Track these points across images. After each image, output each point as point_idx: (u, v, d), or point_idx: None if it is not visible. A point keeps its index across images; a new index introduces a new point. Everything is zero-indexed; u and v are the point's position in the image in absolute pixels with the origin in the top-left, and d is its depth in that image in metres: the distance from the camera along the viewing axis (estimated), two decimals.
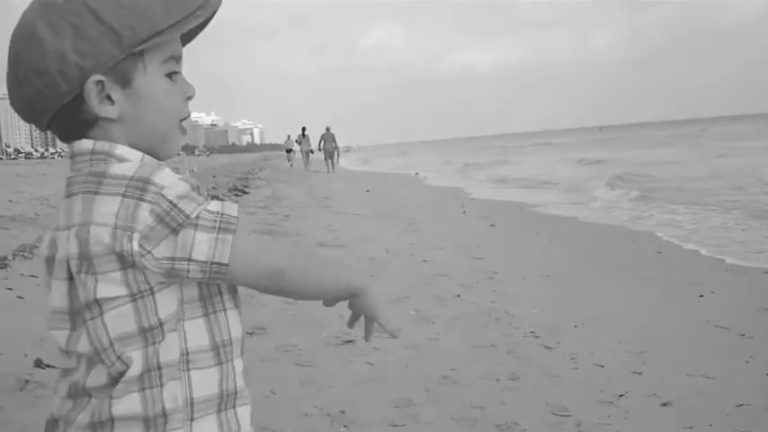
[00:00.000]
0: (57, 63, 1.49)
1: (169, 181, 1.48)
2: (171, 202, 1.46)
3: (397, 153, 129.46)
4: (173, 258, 1.46)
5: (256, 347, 6.13)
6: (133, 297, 1.48)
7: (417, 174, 46.51)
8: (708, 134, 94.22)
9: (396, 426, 4.81)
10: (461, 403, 5.23)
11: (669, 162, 40.92)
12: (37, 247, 8.87)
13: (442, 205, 22.02)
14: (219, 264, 1.49)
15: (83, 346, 1.53)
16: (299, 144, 47.86)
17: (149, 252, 1.45)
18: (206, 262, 1.48)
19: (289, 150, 55.94)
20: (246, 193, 23.03)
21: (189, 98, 1.70)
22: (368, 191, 27.48)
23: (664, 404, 5.39)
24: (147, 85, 1.57)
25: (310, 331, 6.73)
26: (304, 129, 47.21)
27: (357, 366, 5.90)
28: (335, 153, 44.80)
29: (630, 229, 15.73)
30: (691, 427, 5.00)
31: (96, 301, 1.48)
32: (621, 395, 5.53)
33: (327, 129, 43.96)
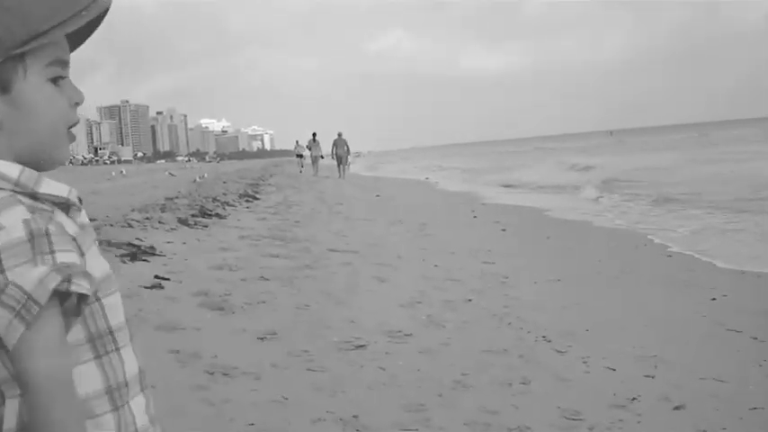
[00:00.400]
0: None
1: (10, 222, 1.31)
2: None
3: (406, 158, 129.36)
4: None
5: (268, 353, 6.15)
6: None
7: (428, 179, 46.56)
8: (714, 138, 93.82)
9: (408, 430, 4.81)
10: (473, 408, 5.23)
11: (677, 166, 40.79)
12: None
13: (452, 210, 22.02)
14: (3, 346, 1.30)
15: None
16: (310, 149, 47.56)
17: None
18: None
19: (299, 155, 55.07)
20: (257, 198, 23.08)
21: (76, 104, 1.53)
22: (378, 196, 27.48)
23: (676, 408, 5.38)
24: (29, 90, 1.42)
25: (322, 336, 6.74)
26: (314, 134, 46.89)
27: (369, 371, 5.90)
28: (347, 158, 44.81)
29: (641, 234, 15.68)
30: (704, 431, 4.99)
31: None
32: (634, 399, 5.52)
33: (339, 134, 44.10)
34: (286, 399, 5.16)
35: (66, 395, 1.33)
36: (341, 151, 43.50)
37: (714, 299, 8.89)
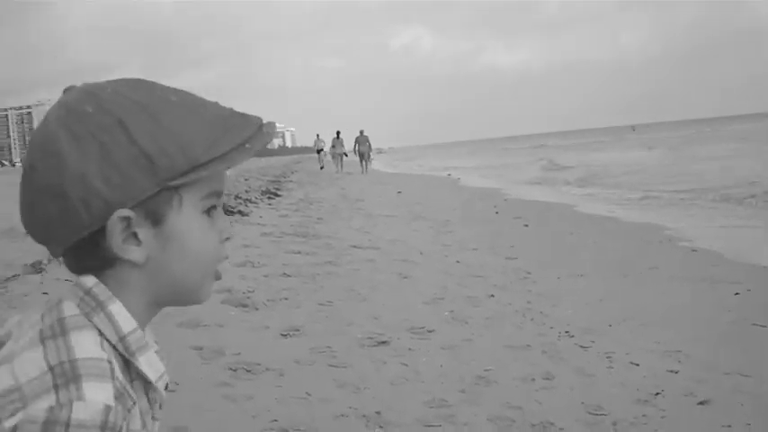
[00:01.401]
0: (78, 188, 1.21)
1: (94, 399, 1.12)
2: (66, 423, 1.08)
3: (427, 154, 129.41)
4: None
5: (291, 349, 6.16)
6: None
7: (449, 175, 46.61)
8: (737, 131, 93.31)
9: (431, 426, 4.81)
10: (497, 403, 5.22)
11: (700, 160, 40.65)
12: None
13: (474, 206, 21.98)
14: None
15: None
16: (334, 147, 48.76)
17: None
18: None
19: (319, 151, 54.37)
20: (279, 195, 23.11)
21: (227, 239, 1.41)
22: (400, 192, 27.47)
23: (701, 403, 5.35)
24: (183, 224, 1.30)
25: (345, 333, 6.75)
26: (338, 132, 48.34)
27: (392, 367, 5.91)
28: (368, 155, 46.83)
29: (664, 229, 15.61)
30: (729, 426, 4.96)
31: None
32: (657, 394, 5.50)
33: (361, 132, 45.79)
34: (309, 395, 5.16)
35: None
36: (363, 148, 45.38)
37: (738, 293, 8.84)
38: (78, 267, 1.29)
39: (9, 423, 1.08)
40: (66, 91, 1.30)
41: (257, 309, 7.36)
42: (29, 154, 1.26)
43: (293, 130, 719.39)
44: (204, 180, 1.29)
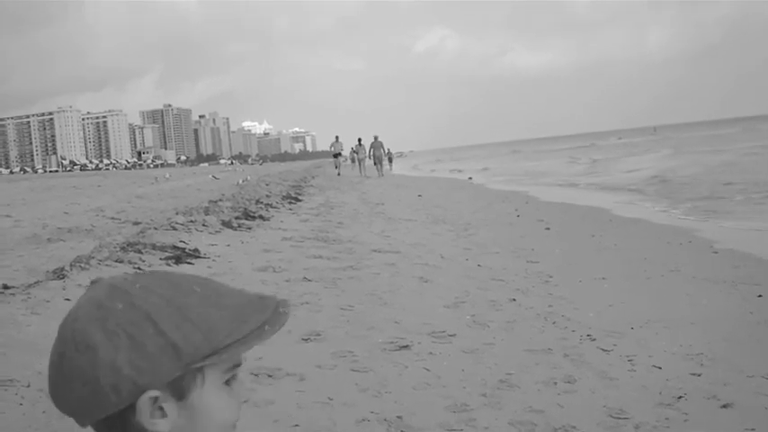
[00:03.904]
0: (109, 376, 1.32)
1: None
2: None
3: (449, 158, 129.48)
4: None
5: (313, 354, 6.17)
6: None
7: (470, 178, 46.80)
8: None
9: (453, 430, 4.81)
10: (518, 407, 5.21)
11: (720, 162, 40.51)
12: (93, 258, 9.00)
13: (495, 209, 21.95)
14: None
15: None
16: (356, 153, 50.33)
17: None
18: None
19: (337, 155, 51.00)
20: (300, 200, 23.15)
21: (244, 402, 1.54)
22: (420, 196, 27.48)
23: (724, 406, 5.33)
24: (206, 397, 1.40)
25: (366, 337, 6.75)
26: (360, 139, 50.13)
27: (413, 372, 5.91)
28: (385, 159, 49.51)
29: (686, 230, 15.55)
30: (752, 430, 4.93)
31: None
32: (680, 397, 5.47)
33: (375, 137, 47.77)
34: (331, 399, 5.17)
35: None
36: (378, 153, 47.37)
37: (761, 296, 8.79)
38: None
39: None
40: (93, 283, 1.40)
41: None
42: (58, 343, 1.36)
43: (314, 134, 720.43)
44: (225, 359, 1.40)
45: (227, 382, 1.44)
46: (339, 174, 47.87)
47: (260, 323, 1.41)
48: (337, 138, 50.87)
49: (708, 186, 26.99)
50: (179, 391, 1.36)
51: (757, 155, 43.52)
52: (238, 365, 1.46)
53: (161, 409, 1.35)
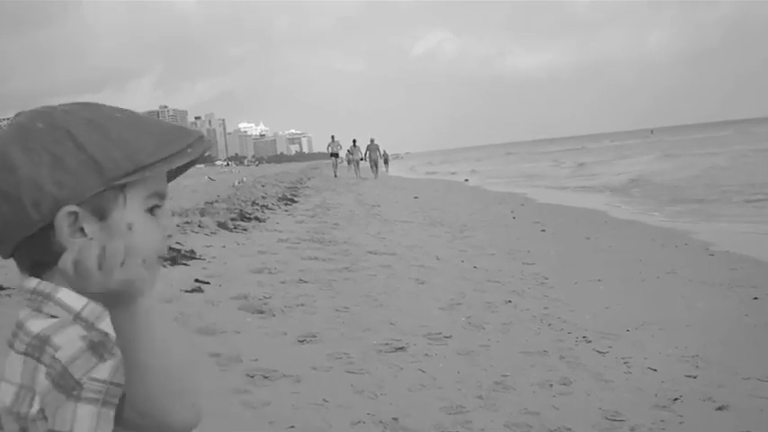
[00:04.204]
0: (30, 193, 1.33)
1: (66, 340, 1.30)
2: (63, 365, 1.27)
3: (446, 160, 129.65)
4: None
5: (308, 355, 6.17)
6: None
7: (467, 180, 47.02)
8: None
9: None
10: (514, 409, 5.22)
11: (714, 165, 40.63)
12: None
13: (491, 211, 21.97)
14: None
15: None
16: (351, 154, 50.99)
17: (44, 419, 1.28)
18: None
19: (335, 155, 49.77)
20: (296, 202, 23.15)
21: (169, 236, 1.53)
22: (416, 198, 27.50)
23: (719, 408, 5.33)
24: (126, 218, 1.41)
25: (362, 339, 6.75)
26: (354, 141, 51.05)
27: (409, 373, 5.91)
28: (380, 161, 50.69)
29: (681, 232, 15.58)
30: None
31: None
32: (676, 399, 5.48)
33: (372, 140, 48.47)
34: (326, 401, 5.17)
35: None
36: (374, 155, 48.26)
37: (756, 298, 8.80)
38: (31, 264, 1.42)
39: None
40: (17, 115, 1.43)
41: (274, 315, 7.38)
42: None
43: (310, 135, 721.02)
44: (148, 181, 1.42)
45: (152, 211, 1.46)
46: (336, 175, 47.37)
47: (183, 146, 1.44)
48: (333, 137, 50.10)
49: (683, 190, 27.12)
50: (99, 210, 1.38)
51: (746, 157, 43.78)
52: (163, 196, 1.48)
53: (81, 230, 1.36)
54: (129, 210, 1.41)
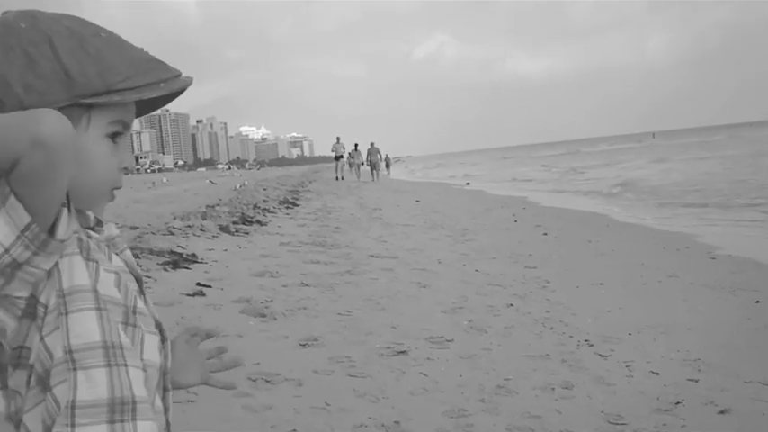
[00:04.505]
0: None
1: None
2: None
3: (447, 163, 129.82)
4: None
5: (310, 359, 6.17)
6: None
7: (468, 184, 47.03)
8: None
9: None
10: (516, 413, 5.21)
11: (715, 169, 40.69)
12: None
13: (493, 215, 21.95)
14: None
15: None
16: (353, 158, 51.60)
17: None
18: None
19: (339, 157, 48.81)
20: (297, 205, 23.15)
21: (125, 169, 1.49)
22: (417, 201, 27.50)
23: (721, 412, 5.33)
24: (86, 141, 1.39)
25: (363, 342, 6.75)
26: (356, 145, 51.72)
27: (411, 377, 5.90)
28: (381, 164, 52.46)
29: (683, 235, 15.57)
30: None
31: None
32: (678, 403, 5.47)
33: (372, 144, 49.60)
34: (328, 405, 5.17)
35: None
36: (374, 158, 49.35)
37: (758, 301, 8.80)
38: None
39: None
40: (5, 13, 1.41)
41: (276, 319, 7.38)
42: None
43: (312, 139, 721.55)
44: (116, 107, 1.42)
45: (113, 139, 1.44)
46: (342, 178, 46.52)
47: (157, 79, 1.43)
48: (338, 139, 49.37)
49: (673, 194, 27.29)
50: None
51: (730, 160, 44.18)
52: (127, 126, 1.47)
53: None
54: (91, 131, 1.40)
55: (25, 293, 1.31)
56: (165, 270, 9.22)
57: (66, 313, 1.33)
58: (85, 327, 1.34)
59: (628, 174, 43.26)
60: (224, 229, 13.82)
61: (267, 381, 5.54)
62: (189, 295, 7.97)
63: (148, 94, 1.42)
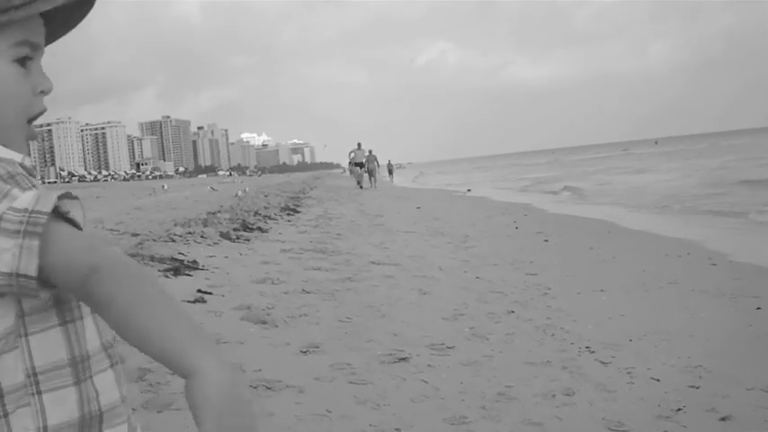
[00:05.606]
0: None
1: None
2: None
3: (449, 170, 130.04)
4: None
5: (311, 366, 6.17)
6: None
7: (469, 190, 47.09)
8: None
9: None
10: (517, 420, 5.21)
11: (713, 175, 40.72)
12: None
13: (494, 221, 21.94)
14: (27, 277, 1.16)
15: None
16: (354, 163, 51.54)
17: None
18: (10, 274, 1.15)
19: (359, 165, 47.96)
20: (298, 212, 23.17)
21: (42, 93, 1.39)
22: (418, 208, 27.49)
23: (722, 419, 5.32)
24: None
25: (364, 349, 6.75)
26: (359, 144, 51.18)
27: (412, 384, 5.90)
28: (385, 171, 53.88)
29: (685, 242, 15.55)
30: None
31: None
32: (679, 410, 5.47)
33: (370, 151, 49.17)
34: (329, 412, 5.17)
35: (120, 264, 1.21)
36: (371, 165, 49.06)
37: (759, 308, 8.79)
38: None
39: None
40: None
41: (277, 326, 7.38)
42: None
43: (313, 145, 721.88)
44: (16, 26, 1.30)
45: (22, 63, 1.34)
46: (362, 187, 46.03)
47: None
48: (359, 145, 48.92)
49: (707, 198, 27.24)
50: None
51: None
52: (37, 47, 1.37)
53: None
54: None
55: None
56: (167, 277, 9.23)
57: None
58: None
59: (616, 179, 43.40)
60: (225, 235, 13.84)
61: (268, 388, 5.54)
62: (190, 302, 7.96)
63: (43, 6, 1.30)
